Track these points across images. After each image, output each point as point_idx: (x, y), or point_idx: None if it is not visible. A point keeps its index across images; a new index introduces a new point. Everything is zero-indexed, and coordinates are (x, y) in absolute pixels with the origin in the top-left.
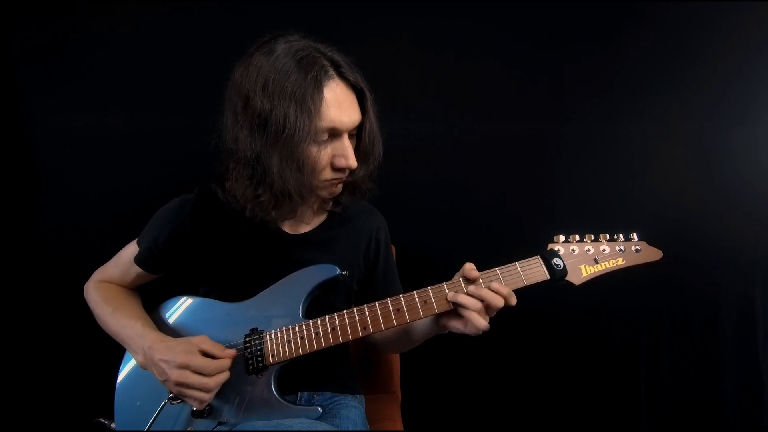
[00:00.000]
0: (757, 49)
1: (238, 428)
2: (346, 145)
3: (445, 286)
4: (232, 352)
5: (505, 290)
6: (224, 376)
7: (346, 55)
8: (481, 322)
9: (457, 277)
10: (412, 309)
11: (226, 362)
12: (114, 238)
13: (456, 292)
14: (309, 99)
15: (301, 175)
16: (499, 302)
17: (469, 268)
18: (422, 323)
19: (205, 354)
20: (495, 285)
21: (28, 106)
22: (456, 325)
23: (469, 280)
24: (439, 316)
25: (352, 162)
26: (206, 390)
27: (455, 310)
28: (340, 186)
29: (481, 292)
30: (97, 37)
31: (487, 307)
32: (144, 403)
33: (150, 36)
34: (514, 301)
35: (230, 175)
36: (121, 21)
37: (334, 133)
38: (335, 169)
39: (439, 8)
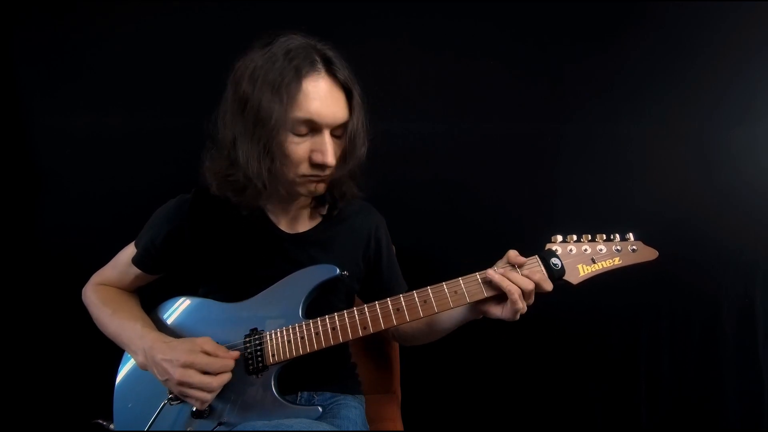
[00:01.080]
0: (757, 49)
1: (238, 428)
2: (326, 141)
3: (445, 286)
4: (235, 353)
5: (537, 276)
6: (227, 377)
7: (346, 54)
8: (518, 305)
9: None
10: (412, 309)
11: (230, 362)
12: (114, 238)
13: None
14: (283, 87)
15: (268, 161)
16: (527, 285)
17: (513, 254)
18: (450, 312)
19: (208, 354)
20: (526, 271)
21: (28, 106)
22: (493, 310)
23: (513, 266)
24: (478, 302)
25: (330, 159)
26: (209, 390)
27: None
28: (322, 185)
29: (511, 275)
30: (97, 37)
31: (523, 293)
32: (143, 403)
33: (150, 36)
34: (548, 286)
35: (208, 154)
36: (121, 21)
37: (314, 128)
38: (313, 164)
39: (439, 8)
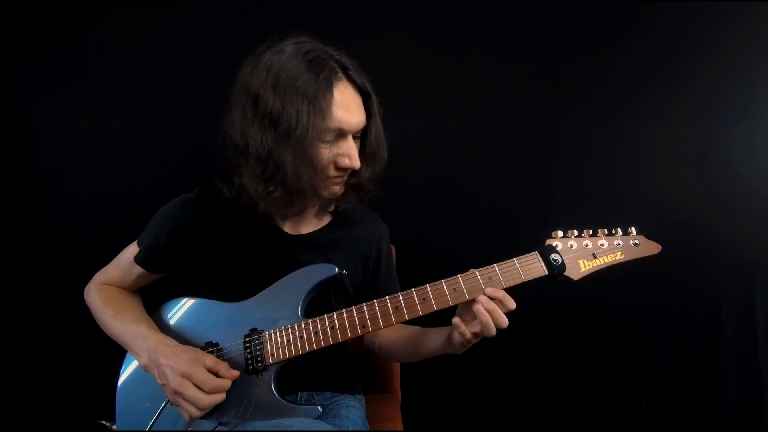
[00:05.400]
0: (757, 49)
1: (239, 428)
2: (351, 146)
3: (444, 283)
4: (234, 373)
5: (500, 293)
6: (220, 398)
7: (349, 56)
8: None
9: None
10: (411, 307)
11: (226, 383)
12: (114, 238)
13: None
14: (321, 98)
15: (313, 171)
16: (498, 314)
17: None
18: (434, 338)
19: (209, 370)
20: (489, 290)
21: (28, 105)
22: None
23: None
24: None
25: (356, 163)
26: (199, 406)
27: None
28: (342, 187)
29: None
30: (98, 36)
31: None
32: (145, 404)
33: (150, 35)
34: (511, 304)
35: (240, 171)
36: (122, 20)
37: (340, 134)
38: (338, 168)
39: (439, 8)
